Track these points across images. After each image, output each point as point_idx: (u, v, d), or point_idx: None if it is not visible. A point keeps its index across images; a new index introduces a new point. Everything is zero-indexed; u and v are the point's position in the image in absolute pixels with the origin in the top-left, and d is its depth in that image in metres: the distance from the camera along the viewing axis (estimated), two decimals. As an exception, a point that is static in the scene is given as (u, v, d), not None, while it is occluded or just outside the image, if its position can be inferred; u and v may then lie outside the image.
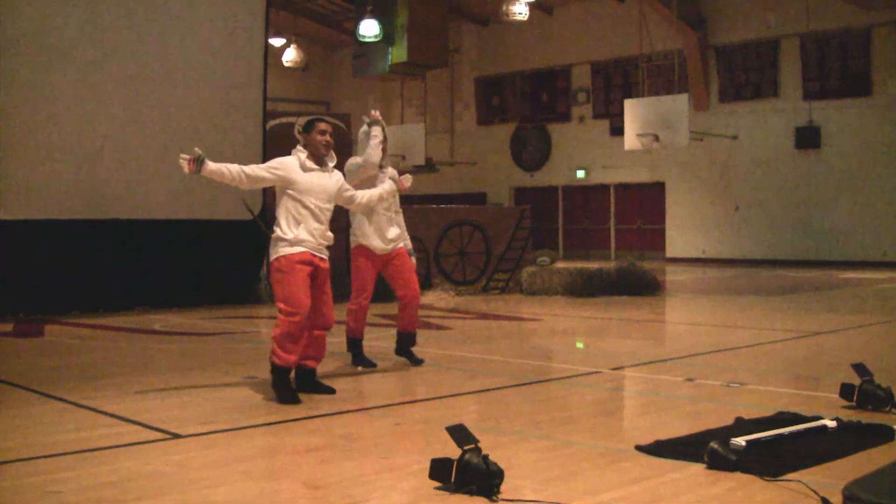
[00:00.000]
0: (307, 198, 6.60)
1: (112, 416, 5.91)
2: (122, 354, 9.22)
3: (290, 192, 6.60)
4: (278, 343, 6.38)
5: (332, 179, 6.82)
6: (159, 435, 5.39)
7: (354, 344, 8.04)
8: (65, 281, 12.55)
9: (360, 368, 7.90)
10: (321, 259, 6.65)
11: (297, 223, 6.56)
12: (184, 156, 6.39)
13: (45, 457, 4.86)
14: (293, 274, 6.44)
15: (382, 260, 7.91)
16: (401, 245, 7.99)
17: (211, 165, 6.48)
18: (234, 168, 6.62)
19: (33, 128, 12.24)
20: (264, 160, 14.45)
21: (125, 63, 12.99)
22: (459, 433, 4.24)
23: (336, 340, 8.16)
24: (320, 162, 6.75)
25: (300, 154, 6.73)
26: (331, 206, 6.78)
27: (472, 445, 4.18)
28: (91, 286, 12.80)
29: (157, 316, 12.43)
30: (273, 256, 6.56)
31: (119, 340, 10.18)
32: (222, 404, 6.36)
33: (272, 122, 15.49)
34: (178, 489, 4.30)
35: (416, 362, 8.10)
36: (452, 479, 4.15)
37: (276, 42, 29.59)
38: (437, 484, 4.20)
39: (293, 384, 6.51)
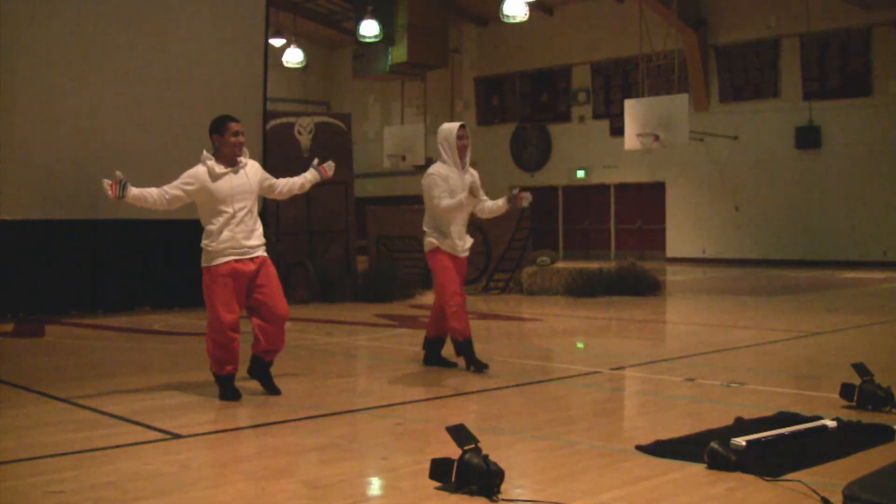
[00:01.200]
0: (226, 205, 6.45)
1: (112, 416, 5.92)
2: (122, 355, 9.23)
3: (208, 201, 6.48)
4: (210, 354, 6.59)
5: (248, 176, 6.62)
6: (159, 435, 5.40)
7: (467, 345, 7.68)
8: (64, 281, 12.55)
9: (472, 369, 7.60)
10: (251, 260, 6.55)
11: (220, 231, 6.46)
12: (107, 181, 6.32)
13: (46, 457, 4.86)
14: (216, 288, 6.52)
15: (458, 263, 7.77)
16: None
17: (133, 191, 6.43)
18: (155, 192, 6.56)
19: (33, 128, 12.23)
20: (264, 160, 14.52)
21: (125, 63, 12.98)
22: (459, 433, 4.24)
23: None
24: (231, 162, 6.57)
25: (207, 162, 6.55)
26: (252, 204, 6.60)
27: (473, 445, 4.18)
28: (91, 286, 12.80)
29: (157, 316, 12.44)
30: (202, 264, 6.60)
31: (119, 341, 10.18)
32: (222, 404, 6.36)
33: (272, 123, 15.50)
34: (178, 489, 4.30)
35: (450, 365, 7.90)
36: (453, 479, 4.15)
37: (277, 42, 29.58)
38: (438, 484, 4.21)
39: (250, 375, 6.78)
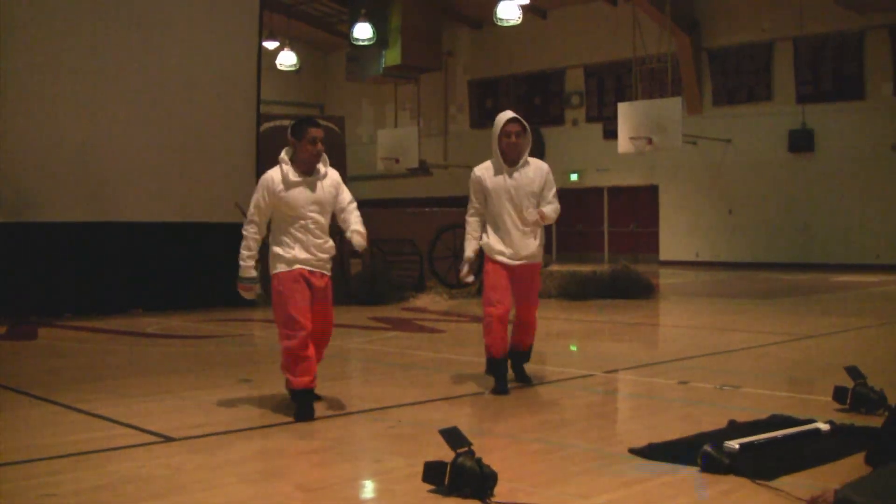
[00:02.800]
0: (298, 212, 6.13)
1: (107, 419, 5.91)
2: (116, 357, 9.22)
3: (280, 208, 6.15)
4: (287, 369, 6.06)
5: (324, 188, 6.23)
6: (154, 438, 5.39)
7: (493, 365, 7.02)
8: (59, 283, 12.54)
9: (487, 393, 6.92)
10: (321, 275, 6.21)
11: (294, 240, 6.14)
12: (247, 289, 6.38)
13: (40, 460, 4.85)
14: (290, 294, 6.05)
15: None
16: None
17: (251, 263, 6.29)
18: (253, 237, 6.25)
19: (29, 131, 12.23)
20: (258, 162, 14.50)
21: (120, 67, 12.98)
22: (453, 436, 4.24)
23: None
24: (309, 171, 6.20)
25: (283, 166, 6.19)
26: (325, 217, 6.25)
27: (466, 448, 4.18)
28: (85, 289, 12.78)
29: (151, 319, 12.42)
30: (271, 272, 6.19)
31: (114, 343, 10.17)
32: (217, 407, 6.36)
33: (266, 125, 15.50)
34: (172, 492, 4.30)
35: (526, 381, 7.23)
36: (446, 482, 4.15)
37: (270, 45, 29.58)
38: (431, 487, 4.21)
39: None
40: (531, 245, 6.90)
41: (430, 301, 14.94)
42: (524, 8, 24.15)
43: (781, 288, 18.49)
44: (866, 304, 14.85)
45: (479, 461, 4.12)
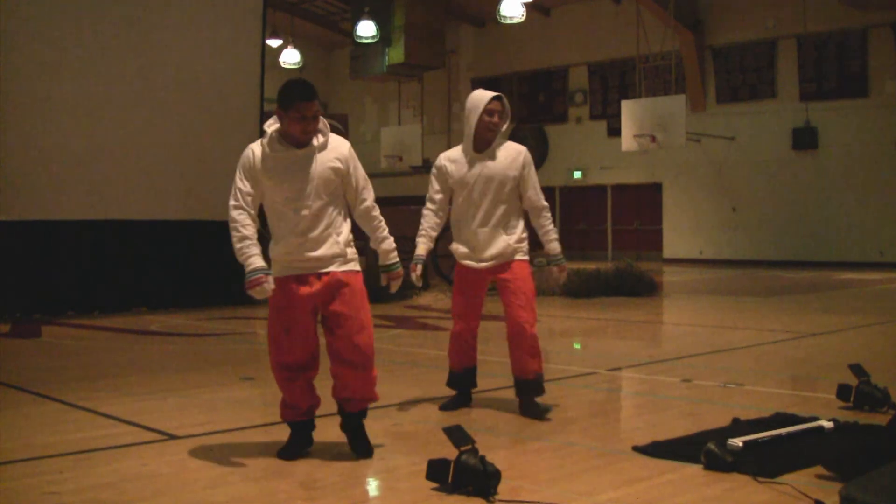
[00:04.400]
0: (277, 195, 4.84)
1: (110, 417, 5.91)
2: (119, 355, 9.22)
3: (264, 192, 4.90)
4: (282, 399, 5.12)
5: (319, 161, 4.87)
6: (157, 436, 5.39)
7: (452, 379, 6.37)
8: (61, 282, 12.55)
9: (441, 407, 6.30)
10: (320, 275, 4.87)
11: (278, 236, 4.91)
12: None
13: (44, 458, 4.86)
14: (274, 309, 4.94)
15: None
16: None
17: (250, 251, 4.75)
18: (242, 221, 4.81)
19: (30, 128, 12.23)
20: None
21: (122, 64, 12.99)
22: (456, 434, 4.24)
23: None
24: (300, 142, 4.85)
25: (263, 140, 4.89)
26: (321, 202, 4.86)
27: (469, 446, 4.18)
28: (88, 287, 12.79)
29: (154, 317, 12.43)
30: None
31: (116, 341, 10.17)
32: (219, 405, 6.36)
33: (269, 123, 15.49)
34: (175, 490, 4.30)
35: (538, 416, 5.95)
36: (449, 480, 4.15)
37: (274, 43, 29.57)
38: (435, 485, 4.20)
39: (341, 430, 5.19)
40: (499, 242, 5.92)
41: (433, 299, 14.93)
42: (527, 6, 24.12)
43: (785, 285, 18.47)
44: (870, 302, 14.83)
45: (482, 459, 4.12)
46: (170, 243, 13.44)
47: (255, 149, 4.88)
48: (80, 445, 5.14)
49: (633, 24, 25.99)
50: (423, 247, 6.05)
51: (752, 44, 26.31)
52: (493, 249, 5.94)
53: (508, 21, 24.05)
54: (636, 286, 15.64)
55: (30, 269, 12.28)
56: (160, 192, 13.30)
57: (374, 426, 5.75)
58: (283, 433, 5.48)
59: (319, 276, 4.87)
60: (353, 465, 4.79)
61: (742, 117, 26.45)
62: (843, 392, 6.01)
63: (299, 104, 4.76)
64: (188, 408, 6.28)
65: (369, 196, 5.18)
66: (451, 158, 6.08)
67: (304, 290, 4.84)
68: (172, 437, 5.36)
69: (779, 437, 4.95)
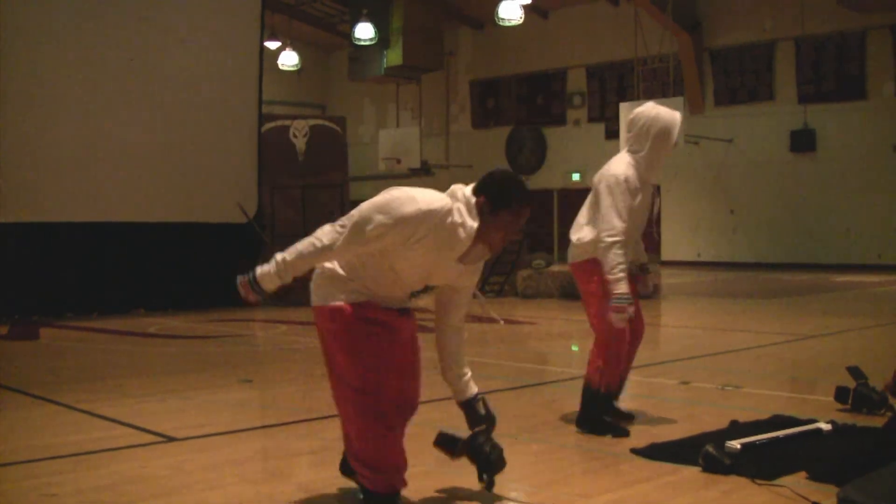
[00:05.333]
0: (412, 263, 4.03)
1: (108, 419, 5.91)
2: (117, 357, 9.22)
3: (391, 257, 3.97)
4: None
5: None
6: (155, 438, 5.39)
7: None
8: (60, 284, 12.55)
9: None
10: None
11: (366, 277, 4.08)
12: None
13: (42, 460, 4.85)
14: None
15: None
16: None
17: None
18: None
19: (30, 131, 12.24)
20: (259, 163, 14.52)
21: (122, 67, 13.00)
22: (448, 439, 4.23)
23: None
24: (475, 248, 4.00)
25: (457, 212, 3.88)
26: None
27: (484, 427, 4.14)
28: (87, 289, 12.79)
29: (152, 319, 12.42)
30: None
31: (115, 343, 10.17)
32: (218, 407, 6.36)
33: (268, 125, 15.51)
34: (173, 492, 4.30)
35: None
36: (454, 454, 4.13)
37: (272, 45, 29.54)
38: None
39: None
40: None
41: (432, 301, 14.91)
42: (526, 8, 24.12)
43: (783, 288, 18.48)
44: (868, 304, 14.83)
45: (493, 445, 4.06)
46: (168, 245, 13.43)
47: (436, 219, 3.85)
48: (78, 447, 5.14)
49: (631, 26, 25.99)
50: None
51: (750, 46, 26.31)
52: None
53: (507, 23, 24.05)
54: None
55: (28, 270, 12.28)
56: (159, 195, 13.30)
57: (373, 428, 5.75)
58: (283, 434, 5.48)
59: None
60: (352, 467, 4.78)
61: (740, 119, 26.46)
62: (841, 394, 6.02)
63: (525, 207, 3.96)
64: (187, 410, 6.28)
65: None
66: (634, 170, 5.64)
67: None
68: (171, 439, 5.36)
69: (777, 439, 4.95)
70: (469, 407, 4.33)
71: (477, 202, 3.86)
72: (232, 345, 10.16)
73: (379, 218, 3.86)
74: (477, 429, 4.13)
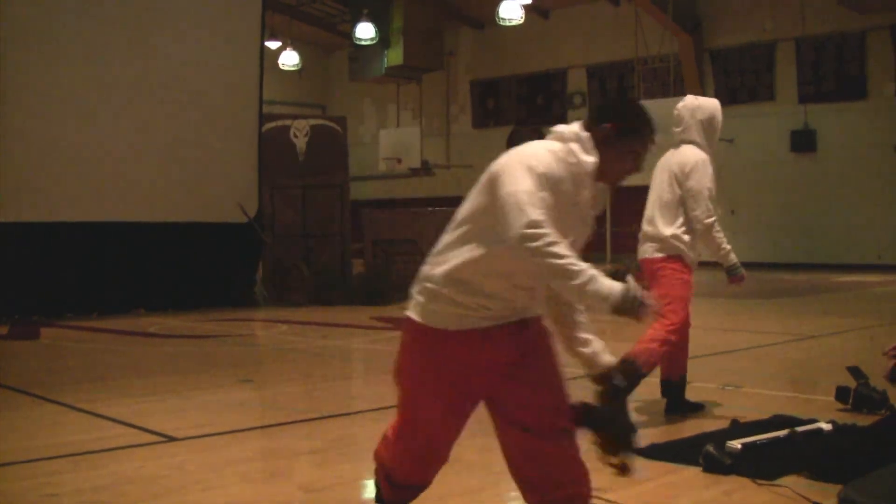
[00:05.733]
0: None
1: (108, 419, 5.91)
2: (118, 357, 9.22)
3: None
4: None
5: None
6: (155, 438, 5.39)
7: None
8: (61, 283, 12.53)
9: None
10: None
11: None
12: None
13: (42, 459, 4.85)
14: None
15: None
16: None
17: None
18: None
19: (30, 130, 12.23)
20: (260, 163, 14.53)
21: (121, 66, 12.99)
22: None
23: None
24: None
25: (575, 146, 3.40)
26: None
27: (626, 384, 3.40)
28: (87, 289, 12.78)
29: (153, 319, 12.42)
30: None
31: (115, 343, 10.17)
32: (218, 407, 6.35)
33: (268, 125, 15.49)
34: (173, 492, 4.29)
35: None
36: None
37: (273, 45, 29.55)
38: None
39: None
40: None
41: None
42: (526, 8, 24.14)
43: (783, 288, 18.47)
44: (868, 304, 14.82)
45: (625, 411, 3.39)
46: (169, 245, 13.42)
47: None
48: (78, 447, 5.14)
49: (631, 26, 25.99)
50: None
51: (750, 46, 26.31)
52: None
53: (507, 23, 24.07)
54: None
55: (28, 270, 12.26)
56: (159, 194, 13.29)
57: (372, 428, 5.75)
58: (283, 434, 5.49)
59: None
60: (352, 467, 4.78)
61: (740, 120, 26.42)
62: (841, 394, 6.02)
63: (653, 133, 3.64)
64: (187, 410, 6.27)
65: None
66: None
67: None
68: (171, 438, 5.36)
69: (777, 439, 4.95)
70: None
71: (600, 131, 3.42)
72: (232, 345, 10.15)
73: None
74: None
